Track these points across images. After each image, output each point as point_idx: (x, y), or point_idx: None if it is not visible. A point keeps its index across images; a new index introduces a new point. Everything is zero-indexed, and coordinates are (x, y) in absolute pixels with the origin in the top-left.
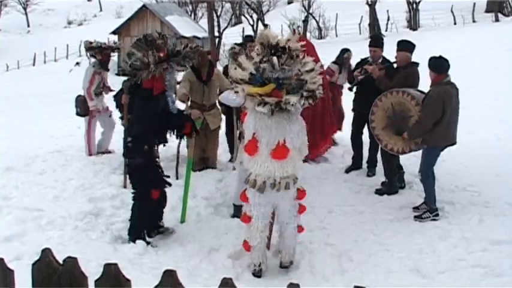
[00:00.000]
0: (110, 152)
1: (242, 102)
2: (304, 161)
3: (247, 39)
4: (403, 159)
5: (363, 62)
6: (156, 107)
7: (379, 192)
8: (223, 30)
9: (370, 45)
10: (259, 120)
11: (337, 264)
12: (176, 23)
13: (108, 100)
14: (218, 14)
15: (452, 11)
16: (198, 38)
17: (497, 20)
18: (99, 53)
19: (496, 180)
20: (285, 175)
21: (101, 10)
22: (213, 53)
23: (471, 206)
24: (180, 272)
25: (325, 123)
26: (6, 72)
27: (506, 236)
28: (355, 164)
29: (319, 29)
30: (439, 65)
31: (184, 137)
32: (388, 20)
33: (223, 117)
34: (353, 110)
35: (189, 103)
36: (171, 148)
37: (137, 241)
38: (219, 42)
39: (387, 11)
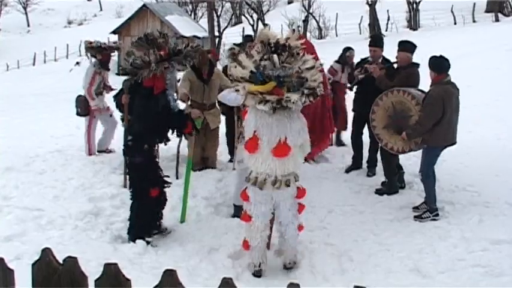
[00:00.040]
0: (110, 151)
1: (241, 102)
2: (305, 160)
3: (247, 39)
4: (403, 159)
5: (363, 61)
6: (157, 105)
7: (379, 192)
8: (224, 30)
9: (370, 45)
10: (260, 118)
11: (337, 264)
12: (176, 23)
13: (109, 100)
14: (218, 13)
15: (452, 11)
16: (198, 37)
17: (497, 20)
18: (99, 52)
19: (496, 180)
20: (286, 173)
21: (101, 10)
22: (214, 52)
23: (471, 206)
24: (180, 271)
25: (325, 123)
26: (6, 72)
27: (506, 235)
28: (355, 164)
29: (319, 28)
30: (439, 64)
31: (184, 137)
32: (388, 20)
33: (223, 117)
34: (353, 110)
35: (189, 102)
36: (171, 148)
37: (137, 241)
38: (219, 42)
39: (387, 10)
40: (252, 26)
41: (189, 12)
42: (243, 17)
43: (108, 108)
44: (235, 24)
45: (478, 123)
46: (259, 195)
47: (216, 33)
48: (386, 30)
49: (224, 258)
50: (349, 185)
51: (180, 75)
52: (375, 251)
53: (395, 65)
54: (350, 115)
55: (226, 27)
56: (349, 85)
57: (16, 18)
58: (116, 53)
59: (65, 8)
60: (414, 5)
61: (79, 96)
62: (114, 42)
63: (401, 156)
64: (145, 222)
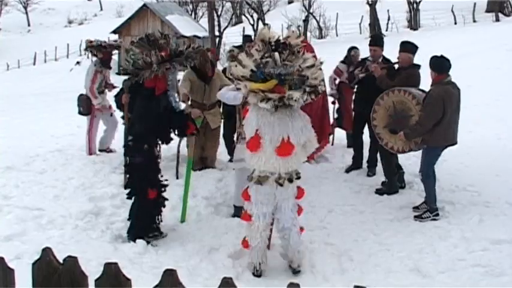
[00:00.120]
0: (111, 151)
1: (240, 100)
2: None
3: (246, 39)
4: (403, 159)
5: (363, 61)
6: (158, 106)
7: (379, 192)
8: (224, 29)
9: (370, 44)
10: (262, 117)
11: (338, 263)
12: (176, 22)
13: (110, 99)
14: (218, 13)
15: (452, 11)
16: (199, 37)
17: (497, 19)
18: (99, 51)
19: (496, 180)
20: (289, 170)
21: (101, 9)
22: (214, 51)
23: (471, 206)
24: (180, 271)
25: (325, 124)
26: (6, 72)
27: (506, 235)
28: (356, 164)
29: (320, 28)
30: (440, 64)
31: (184, 136)
32: (389, 19)
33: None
34: (353, 109)
35: (189, 102)
36: (171, 148)
37: (137, 240)
38: (220, 41)
39: (388, 10)
40: (252, 25)
41: (190, 12)
42: (243, 17)
43: (110, 107)
44: (236, 24)
45: (479, 123)
46: (261, 194)
47: (217, 33)
48: (386, 30)
49: (224, 258)
50: (349, 185)
51: (180, 75)
52: (375, 251)
53: (396, 66)
54: None
55: (226, 27)
56: (350, 84)
57: (16, 17)
58: (117, 51)
59: (66, 7)
60: (414, 5)
61: (81, 95)
62: (115, 41)
63: (401, 156)
64: (144, 223)
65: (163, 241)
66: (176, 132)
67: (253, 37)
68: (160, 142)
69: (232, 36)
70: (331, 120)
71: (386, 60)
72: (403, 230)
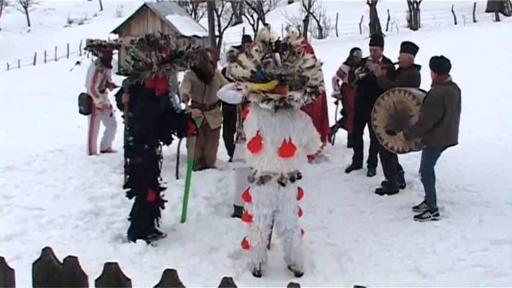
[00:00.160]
0: (112, 151)
1: (240, 100)
2: None
3: (245, 39)
4: (403, 159)
5: (364, 60)
6: (158, 107)
7: (379, 191)
8: (224, 29)
9: (370, 44)
10: (263, 118)
11: (338, 263)
12: (176, 22)
13: (111, 98)
14: (219, 13)
15: (453, 11)
16: (199, 37)
17: (497, 19)
18: (100, 51)
19: (497, 180)
20: (292, 171)
21: (101, 9)
22: (213, 51)
23: (471, 206)
24: (180, 271)
25: (324, 125)
26: (6, 71)
27: (506, 235)
28: (356, 164)
29: (320, 28)
30: (440, 65)
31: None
32: (389, 19)
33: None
34: (353, 109)
35: (189, 103)
36: (171, 148)
37: (137, 240)
38: (220, 41)
39: (388, 10)
40: (253, 25)
41: (190, 12)
42: (243, 17)
43: (111, 106)
44: (236, 23)
45: (479, 123)
46: (263, 195)
47: (217, 33)
48: (386, 30)
49: (224, 258)
50: (349, 185)
51: (180, 75)
52: (375, 251)
53: (396, 66)
54: None
55: (226, 26)
56: (350, 84)
57: (17, 17)
58: (117, 50)
59: (66, 7)
60: (415, 5)
61: (82, 94)
62: (115, 40)
63: (401, 156)
64: (145, 223)
65: (163, 241)
66: (176, 133)
67: (253, 37)
68: (162, 143)
69: (232, 36)
70: (333, 121)
71: (386, 60)
72: (403, 230)
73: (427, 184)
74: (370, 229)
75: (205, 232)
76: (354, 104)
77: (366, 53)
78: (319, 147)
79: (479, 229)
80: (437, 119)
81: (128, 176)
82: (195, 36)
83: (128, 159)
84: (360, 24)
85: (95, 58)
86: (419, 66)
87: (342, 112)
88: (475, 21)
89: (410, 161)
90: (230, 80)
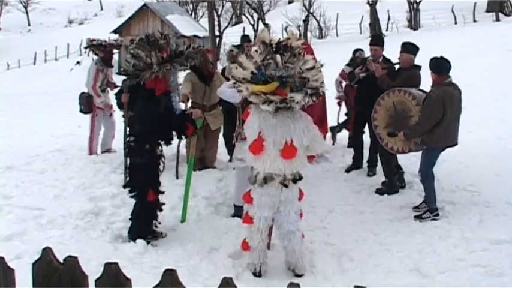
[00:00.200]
0: (112, 151)
1: (239, 99)
2: None
3: (244, 39)
4: (403, 159)
5: (364, 60)
6: (158, 107)
7: (379, 191)
8: (224, 29)
9: (370, 44)
10: (264, 120)
11: (338, 264)
12: (177, 22)
13: (112, 98)
14: (219, 13)
15: (453, 11)
16: (199, 37)
17: (498, 19)
18: (100, 50)
19: (497, 180)
20: (294, 172)
21: (101, 9)
22: (213, 51)
23: (471, 206)
24: (181, 271)
25: (324, 125)
26: (6, 71)
27: (506, 235)
28: (356, 164)
29: (320, 28)
30: (440, 65)
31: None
32: (389, 19)
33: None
34: (353, 109)
35: (189, 104)
36: (171, 148)
37: (137, 240)
38: (220, 41)
39: (388, 10)
40: (253, 25)
41: (190, 12)
42: (243, 17)
43: (112, 106)
44: (236, 23)
45: (479, 123)
46: (265, 196)
47: (217, 33)
48: (386, 30)
49: (224, 257)
50: (349, 185)
51: (180, 76)
52: (375, 251)
53: (397, 66)
54: None
55: (226, 26)
56: (350, 83)
57: (17, 17)
58: (118, 50)
59: (66, 7)
60: (415, 5)
61: (82, 93)
62: (115, 40)
63: (401, 156)
64: (145, 224)
65: (163, 241)
66: (175, 133)
67: (253, 38)
68: (162, 143)
69: (232, 36)
70: (335, 122)
71: (386, 60)
72: (403, 230)
73: (427, 184)
74: (370, 229)
75: (205, 232)
76: (354, 104)
77: (367, 53)
78: (323, 144)
79: (479, 229)
80: (437, 119)
81: (128, 177)
82: (195, 36)
83: (129, 159)
84: (360, 24)
85: (95, 57)
86: (419, 67)
87: (346, 114)
88: (475, 21)
89: (410, 161)
90: (230, 80)
